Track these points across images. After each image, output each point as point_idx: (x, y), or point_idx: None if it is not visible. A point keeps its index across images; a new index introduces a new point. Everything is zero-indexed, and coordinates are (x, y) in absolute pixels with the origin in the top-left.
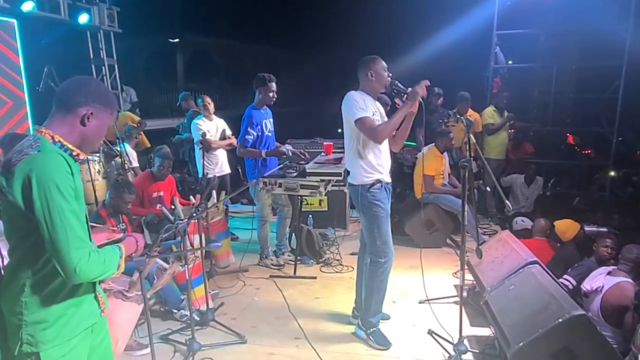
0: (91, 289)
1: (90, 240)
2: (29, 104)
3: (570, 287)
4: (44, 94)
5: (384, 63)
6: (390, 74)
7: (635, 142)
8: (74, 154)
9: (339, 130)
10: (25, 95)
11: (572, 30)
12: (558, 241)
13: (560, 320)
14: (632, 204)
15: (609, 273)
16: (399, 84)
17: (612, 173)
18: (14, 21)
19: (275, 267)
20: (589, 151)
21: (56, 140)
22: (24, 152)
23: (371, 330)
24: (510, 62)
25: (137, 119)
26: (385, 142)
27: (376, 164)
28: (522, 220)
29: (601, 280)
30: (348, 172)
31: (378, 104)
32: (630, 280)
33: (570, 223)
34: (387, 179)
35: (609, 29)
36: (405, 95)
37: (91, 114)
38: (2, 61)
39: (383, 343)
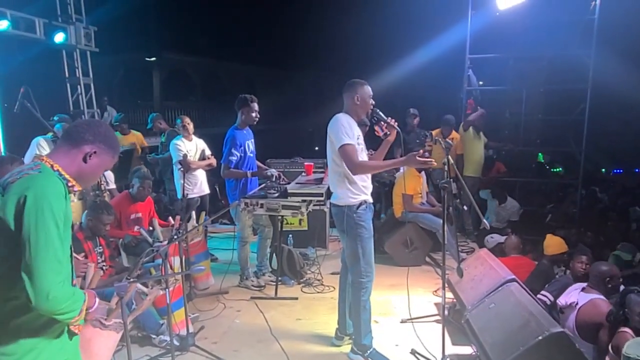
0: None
1: (72, 273)
2: (0, 123)
3: (549, 302)
4: (19, 115)
5: (370, 90)
6: (373, 102)
7: (601, 161)
8: (70, 184)
9: (316, 149)
10: None
11: (539, 55)
12: (534, 254)
13: (540, 337)
14: (601, 220)
15: (583, 289)
16: (380, 113)
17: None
18: None
19: (256, 288)
20: (560, 169)
21: (55, 168)
22: (24, 171)
23: (368, 352)
24: (481, 82)
25: (146, 143)
26: None
27: (361, 186)
28: (492, 237)
29: (575, 296)
30: (330, 193)
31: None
32: (603, 297)
33: (560, 242)
34: (371, 199)
35: (573, 54)
36: (385, 124)
37: (94, 152)
38: None
39: None
